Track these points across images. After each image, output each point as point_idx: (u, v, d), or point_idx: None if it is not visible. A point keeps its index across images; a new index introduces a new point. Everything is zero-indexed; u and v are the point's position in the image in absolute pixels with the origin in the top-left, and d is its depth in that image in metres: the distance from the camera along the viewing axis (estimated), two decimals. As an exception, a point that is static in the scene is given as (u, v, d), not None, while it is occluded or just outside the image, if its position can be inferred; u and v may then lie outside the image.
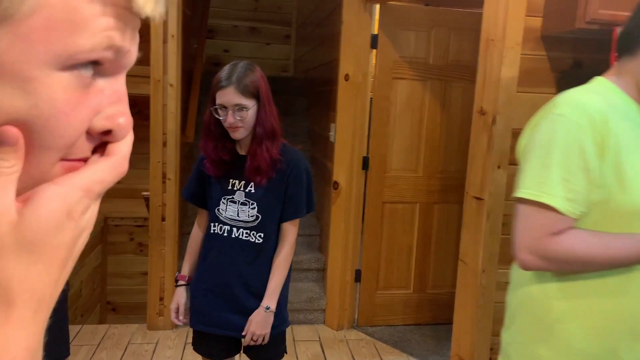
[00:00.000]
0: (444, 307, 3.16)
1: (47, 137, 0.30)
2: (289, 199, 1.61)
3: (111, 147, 0.34)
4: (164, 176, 2.94)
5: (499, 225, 2.38)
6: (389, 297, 3.28)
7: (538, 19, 2.30)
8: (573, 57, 2.38)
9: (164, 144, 2.92)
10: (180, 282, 1.70)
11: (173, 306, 1.69)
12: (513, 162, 2.36)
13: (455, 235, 3.11)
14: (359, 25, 2.97)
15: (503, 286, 2.45)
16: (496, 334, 2.48)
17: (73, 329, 3.00)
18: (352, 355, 2.90)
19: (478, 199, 2.42)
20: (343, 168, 3.08)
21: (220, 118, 1.50)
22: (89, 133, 0.33)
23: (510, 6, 2.21)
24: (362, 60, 3.01)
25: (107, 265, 4.75)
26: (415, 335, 3.19)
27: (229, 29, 5.75)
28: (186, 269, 1.71)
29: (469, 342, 2.47)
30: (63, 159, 0.32)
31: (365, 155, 3.13)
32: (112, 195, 4.65)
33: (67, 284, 1.66)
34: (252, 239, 1.58)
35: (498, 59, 2.29)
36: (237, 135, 1.53)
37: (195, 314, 1.67)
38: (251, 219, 1.57)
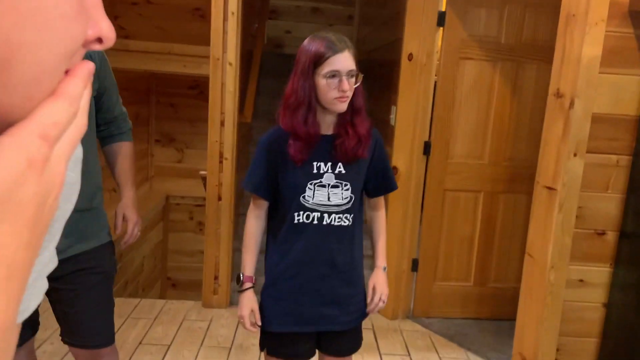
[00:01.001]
0: (506, 303, 2.99)
1: (63, 40, 0.28)
2: (383, 172, 1.57)
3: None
4: (220, 156, 2.94)
5: (572, 218, 2.19)
6: (447, 289, 3.15)
7: (626, -8, 2.07)
8: (666, 35, 2.14)
9: (222, 124, 2.91)
10: (248, 285, 1.51)
11: (246, 312, 1.49)
12: (591, 150, 2.16)
13: (522, 228, 2.93)
14: (426, 1, 2.81)
15: (574, 284, 2.28)
16: (564, 334, 2.31)
17: (132, 302, 3.09)
18: (407, 347, 2.80)
19: (550, 188, 2.23)
20: (403, 153, 2.96)
21: (331, 86, 1.37)
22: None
23: (596, -22, 2.00)
24: (427, 38, 2.86)
25: (168, 242, 4.90)
26: (473, 329, 3.05)
27: (291, 9, 5.70)
28: (251, 269, 1.53)
29: (533, 341, 2.31)
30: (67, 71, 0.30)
31: (427, 140, 2.99)
32: (173, 174, 4.77)
33: (113, 265, 1.60)
34: (344, 222, 1.47)
35: (579, 36, 2.08)
36: (344, 106, 1.40)
37: (279, 315, 1.52)
38: (344, 201, 1.46)
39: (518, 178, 3.01)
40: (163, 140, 4.72)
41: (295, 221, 1.45)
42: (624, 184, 2.21)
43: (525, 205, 2.91)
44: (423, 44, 2.86)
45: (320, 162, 1.44)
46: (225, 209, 3.01)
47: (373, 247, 1.63)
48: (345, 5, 5.67)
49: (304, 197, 1.44)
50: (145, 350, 2.59)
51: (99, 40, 0.31)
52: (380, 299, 1.56)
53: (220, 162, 2.95)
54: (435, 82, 2.97)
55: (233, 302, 3.18)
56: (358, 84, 1.42)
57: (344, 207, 1.46)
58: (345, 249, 1.50)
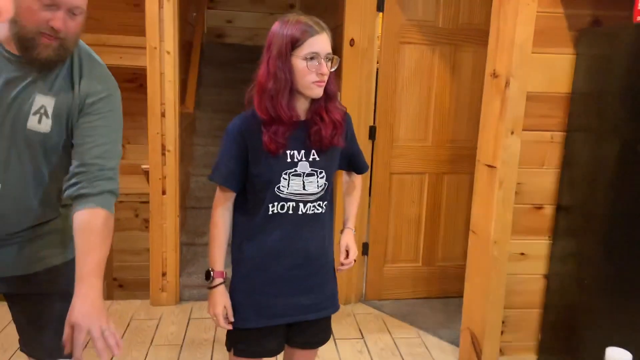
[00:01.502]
0: (454, 280, 3.07)
1: None
2: (357, 152, 1.60)
3: None
4: (163, 148, 2.85)
5: (511, 194, 2.27)
6: (397, 271, 3.20)
7: (555, -27, 2.15)
8: (592, 15, 2.24)
9: (163, 115, 2.82)
10: (219, 281, 1.44)
11: (219, 310, 1.42)
12: (527, 128, 2.24)
13: (466, 206, 3.01)
14: (364, -14, 2.82)
15: (516, 257, 2.36)
16: (508, 306, 2.39)
17: (76, 305, 2.96)
18: (360, 330, 2.83)
19: (490, 166, 2.30)
20: (349, 138, 2.97)
21: (310, 69, 1.32)
22: None
23: (526, -41, 2.06)
24: (368, 24, 2.87)
25: (112, 242, 4.72)
26: (424, 308, 3.12)
27: (231, -2, 5.59)
28: (221, 264, 1.45)
29: (480, 315, 2.39)
30: None
31: (371, 124, 3.02)
32: (115, 170, 4.59)
33: (67, 295, 1.46)
34: (318, 210, 1.44)
35: (512, 17, 2.15)
36: (321, 91, 1.36)
37: (251, 310, 1.45)
38: (319, 189, 1.43)
39: (460, 158, 3.09)
40: (102, 136, 4.53)
41: (270, 212, 1.40)
42: (559, 159, 2.31)
43: (468, 184, 2.99)
44: (364, 29, 2.87)
45: (294, 150, 1.39)
46: (170, 202, 2.93)
47: (346, 210, 1.67)
48: (286, -7, 5.61)
49: (278, 187, 1.38)
50: (92, 352, 2.49)
51: None
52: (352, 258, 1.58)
53: (163, 154, 2.86)
54: (377, 67, 3.00)
55: (183, 299, 3.10)
56: (334, 69, 1.38)
57: (318, 195, 1.43)
58: (317, 237, 1.47)
